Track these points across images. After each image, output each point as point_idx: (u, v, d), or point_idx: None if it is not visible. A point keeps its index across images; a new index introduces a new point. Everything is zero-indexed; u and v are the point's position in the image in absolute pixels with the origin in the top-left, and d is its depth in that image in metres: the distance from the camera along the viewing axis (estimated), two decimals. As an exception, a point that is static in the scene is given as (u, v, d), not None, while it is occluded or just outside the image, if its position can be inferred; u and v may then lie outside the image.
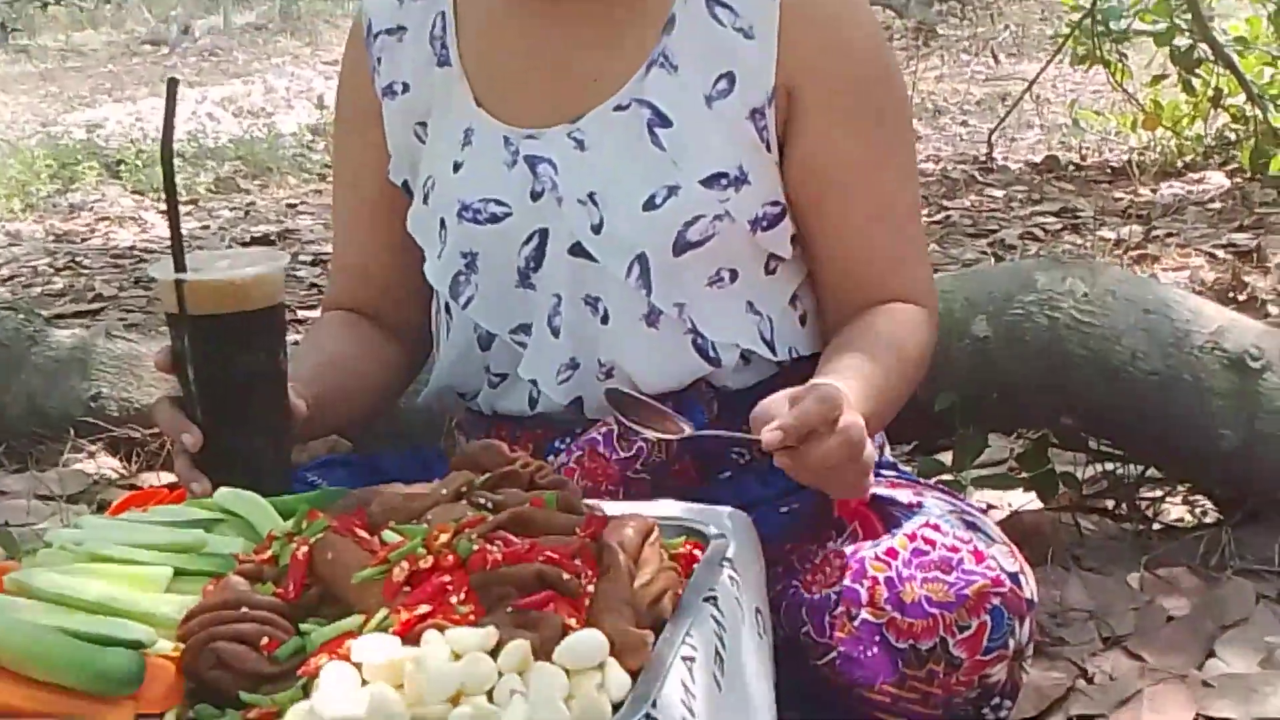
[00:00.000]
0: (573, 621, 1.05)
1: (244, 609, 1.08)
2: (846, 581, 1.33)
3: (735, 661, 1.16)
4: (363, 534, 1.15)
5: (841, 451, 1.21)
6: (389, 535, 1.15)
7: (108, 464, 2.43)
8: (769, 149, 1.49)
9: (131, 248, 5.40)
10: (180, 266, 1.32)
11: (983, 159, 5.65)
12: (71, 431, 2.45)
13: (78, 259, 5.15)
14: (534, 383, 1.53)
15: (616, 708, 0.98)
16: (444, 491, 1.21)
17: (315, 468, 1.61)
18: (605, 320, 1.50)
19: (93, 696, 1.02)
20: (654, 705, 0.99)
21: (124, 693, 1.02)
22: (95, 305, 4.24)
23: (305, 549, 1.13)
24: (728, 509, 1.28)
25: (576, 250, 1.49)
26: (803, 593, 1.36)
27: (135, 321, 3.89)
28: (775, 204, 1.51)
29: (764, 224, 1.50)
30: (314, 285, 4.67)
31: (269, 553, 1.16)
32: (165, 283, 1.32)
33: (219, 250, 1.48)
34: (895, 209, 1.51)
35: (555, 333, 1.51)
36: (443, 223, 1.55)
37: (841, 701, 1.36)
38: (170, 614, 1.10)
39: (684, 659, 1.07)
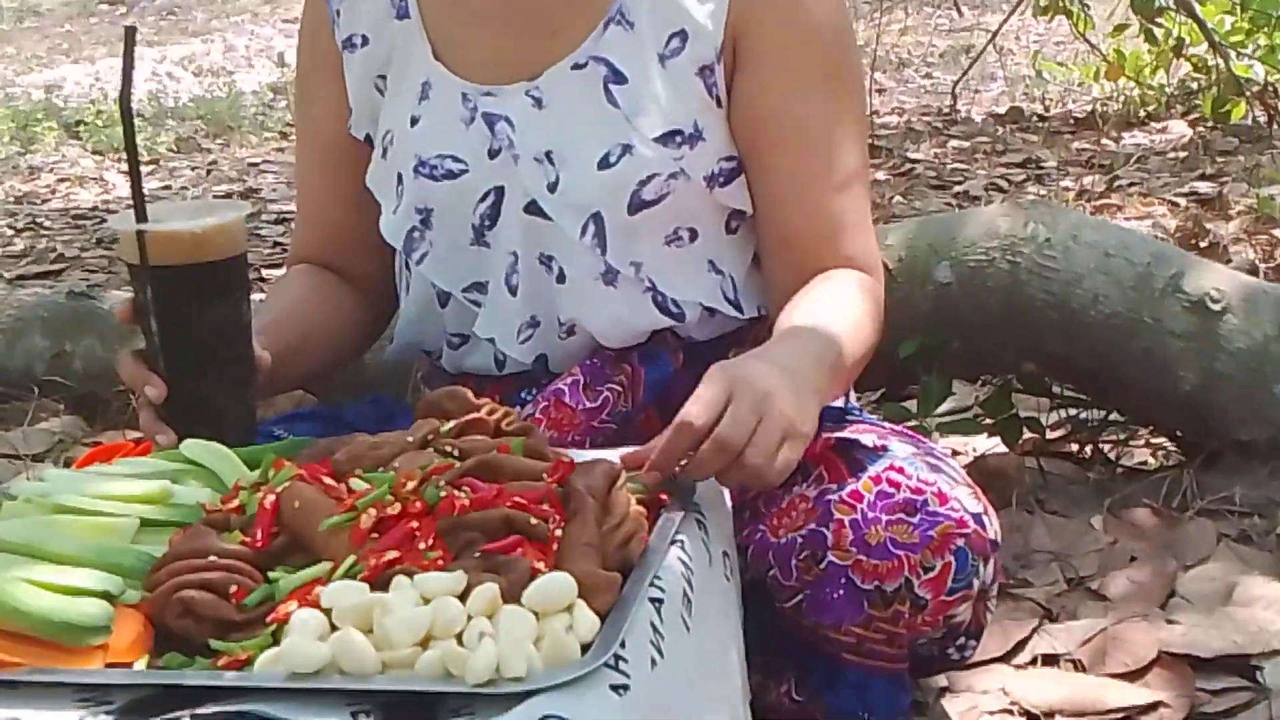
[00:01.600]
0: (540, 565, 1.05)
1: (211, 557, 1.08)
2: (812, 525, 1.34)
3: (703, 603, 1.17)
4: (329, 482, 1.15)
5: (717, 460, 1.20)
6: (356, 483, 1.15)
7: (72, 422, 2.42)
8: (719, 104, 1.49)
9: (93, 208, 5.36)
10: (141, 217, 1.31)
11: (946, 111, 5.66)
12: (36, 390, 2.44)
13: (38, 220, 5.10)
14: (492, 341, 1.53)
15: (585, 649, 0.99)
16: (410, 439, 1.21)
17: (279, 421, 1.61)
18: (561, 279, 1.50)
19: (62, 646, 1.02)
20: (622, 645, 1.00)
21: (93, 642, 1.02)
22: (57, 266, 4.20)
23: (272, 497, 1.13)
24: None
25: (532, 209, 1.48)
26: (769, 536, 1.36)
27: (98, 282, 3.87)
28: (730, 159, 1.50)
29: (720, 180, 1.50)
30: (278, 244, 4.64)
31: (236, 502, 1.16)
32: (126, 233, 1.31)
33: (180, 201, 1.47)
34: (841, 171, 1.50)
35: (513, 291, 1.51)
36: (400, 178, 1.55)
37: (808, 643, 1.37)
38: (137, 564, 1.10)
39: (652, 601, 1.07)
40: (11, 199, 5.57)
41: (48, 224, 5.02)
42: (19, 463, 2.28)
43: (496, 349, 1.54)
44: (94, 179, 5.83)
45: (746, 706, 1.27)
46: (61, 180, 5.83)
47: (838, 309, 1.43)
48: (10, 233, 4.86)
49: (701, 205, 1.50)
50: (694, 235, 1.50)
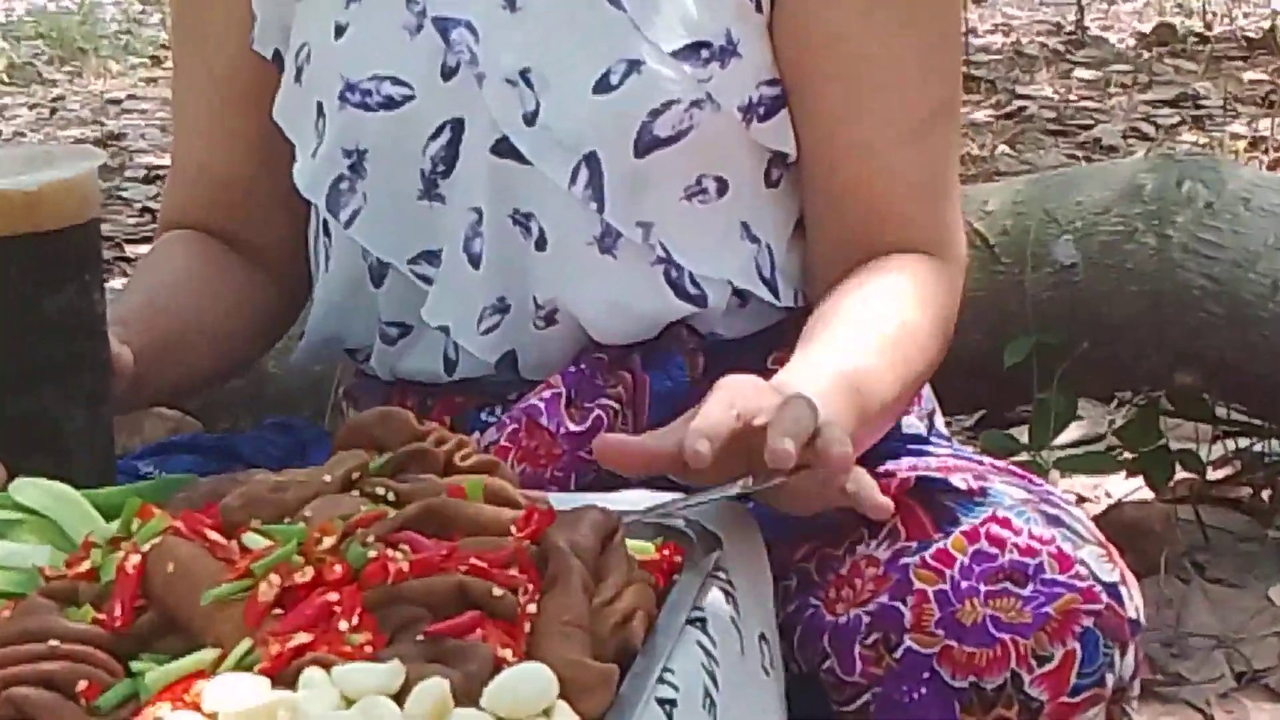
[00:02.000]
0: (507, 653, 1.05)
1: (52, 642, 1.07)
2: (884, 598, 1.34)
3: (732, 705, 1.16)
4: (215, 537, 1.15)
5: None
6: (252, 539, 1.14)
7: None
8: (759, 9, 1.50)
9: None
10: None
11: (1070, 29, 5.68)
12: None
13: None
14: (445, 331, 1.53)
15: (569, 769, 0.99)
16: (327, 478, 1.21)
17: (149, 454, 1.62)
18: (541, 245, 1.50)
19: None
20: (620, 766, 1.00)
21: (-113, 759, 1.02)
22: None
23: (137, 558, 1.12)
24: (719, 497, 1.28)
25: (502, 148, 1.49)
26: (824, 614, 1.37)
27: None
28: (773, 84, 1.51)
29: (759, 112, 1.50)
30: (147, 210, 4.66)
31: (86, 564, 1.15)
32: None
33: (7, 150, 1.48)
34: (914, 110, 1.52)
35: (474, 262, 1.51)
36: (320, 108, 1.55)
37: (878, 760, 1.37)
38: (-50, 650, 1.10)
39: (661, 702, 1.07)
40: None
41: None
42: None
43: (448, 342, 1.55)
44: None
45: None
46: None
47: (883, 323, 1.44)
48: None
49: (734, 146, 1.51)
50: (723, 188, 1.51)
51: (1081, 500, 2.22)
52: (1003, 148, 4.21)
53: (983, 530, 1.34)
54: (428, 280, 1.54)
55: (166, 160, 5.22)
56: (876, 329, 1.43)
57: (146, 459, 1.59)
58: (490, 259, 1.51)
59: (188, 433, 2.27)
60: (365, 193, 1.54)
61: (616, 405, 1.51)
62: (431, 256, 1.54)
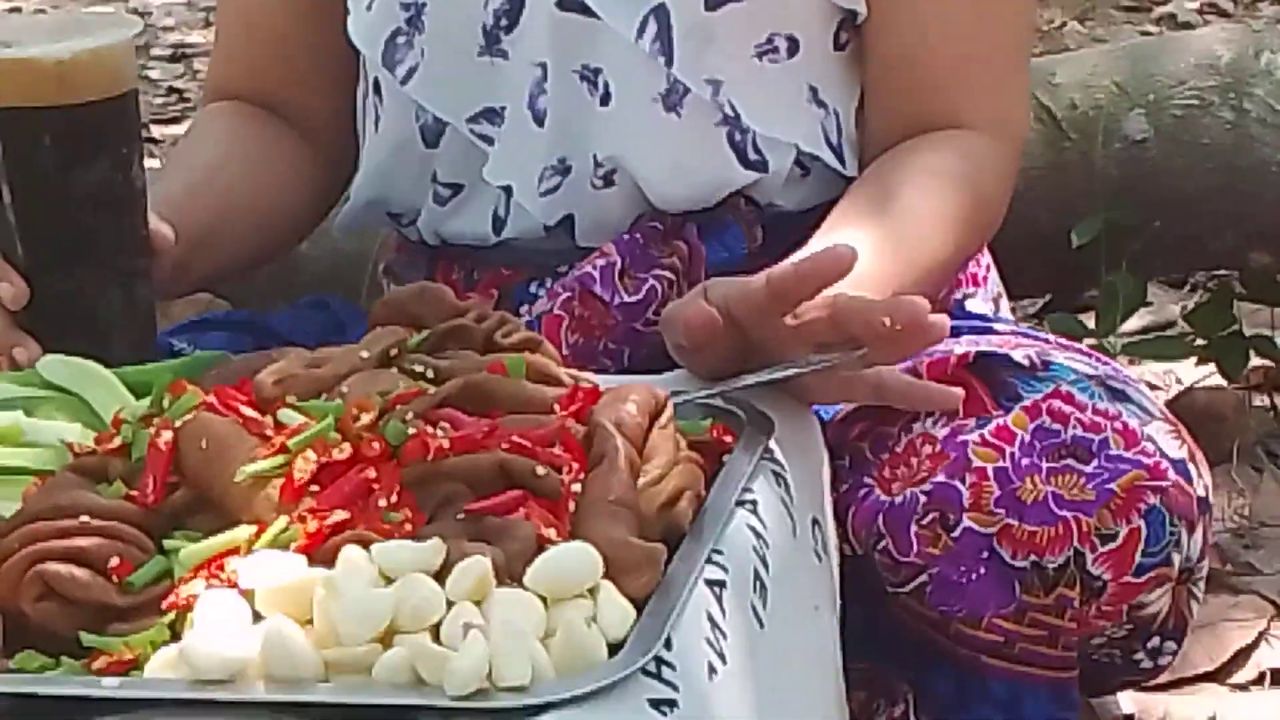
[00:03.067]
0: (551, 532, 1.06)
1: (83, 517, 1.09)
2: (941, 476, 1.34)
3: (783, 590, 1.17)
4: (250, 413, 1.16)
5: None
6: (287, 415, 1.16)
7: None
8: None
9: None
10: None
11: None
12: None
13: None
14: (506, 191, 1.54)
15: (615, 649, 1.00)
16: (364, 354, 1.22)
17: (182, 330, 1.63)
18: (606, 101, 1.51)
19: None
20: (667, 645, 1.01)
21: (-85, 636, 1.04)
22: None
23: (169, 435, 1.14)
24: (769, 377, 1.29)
25: (569, 1, 1.50)
26: (878, 494, 1.37)
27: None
28: None
29: None
30: (173, 90, 4.66)
31: (117, 440, 1.17)
32: None
33: (41, 16, 1.49)
34: None
35: (538, 119, 1.53)
36: None
37: (934, 644, 1.39)
38: (-23, 528, 1.12)
39: (709, 583, 1.08)
40: None
41: None
42: None
43: (500, 202, 1.56)
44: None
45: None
46: None
47: (899, 216, 1.45)
48: None
49: (806, 4, 1.52)
50: (793, 47, 1.52)
51: (1152, 388, 2.20)
52: (1072, 24, 4.17)
53: (1044, 405, 1.34)
54: (487, 139, 1.55)
55: (193, 38, 5.26)
56: (885, 226, 1.43)
57: (179, 335, 1.60)
58: (554, 116, 1.52)
59: (217, 311, 2.28)
60: (423, 48, 1.55)
61: (671, 276, 1.52)
62: (492, 115, 1.55)
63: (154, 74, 4.85)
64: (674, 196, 1.52)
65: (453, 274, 1.60)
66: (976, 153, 1.52)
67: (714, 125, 1.52)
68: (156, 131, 4.25)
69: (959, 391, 1.31)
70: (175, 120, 4.38)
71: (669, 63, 1.49)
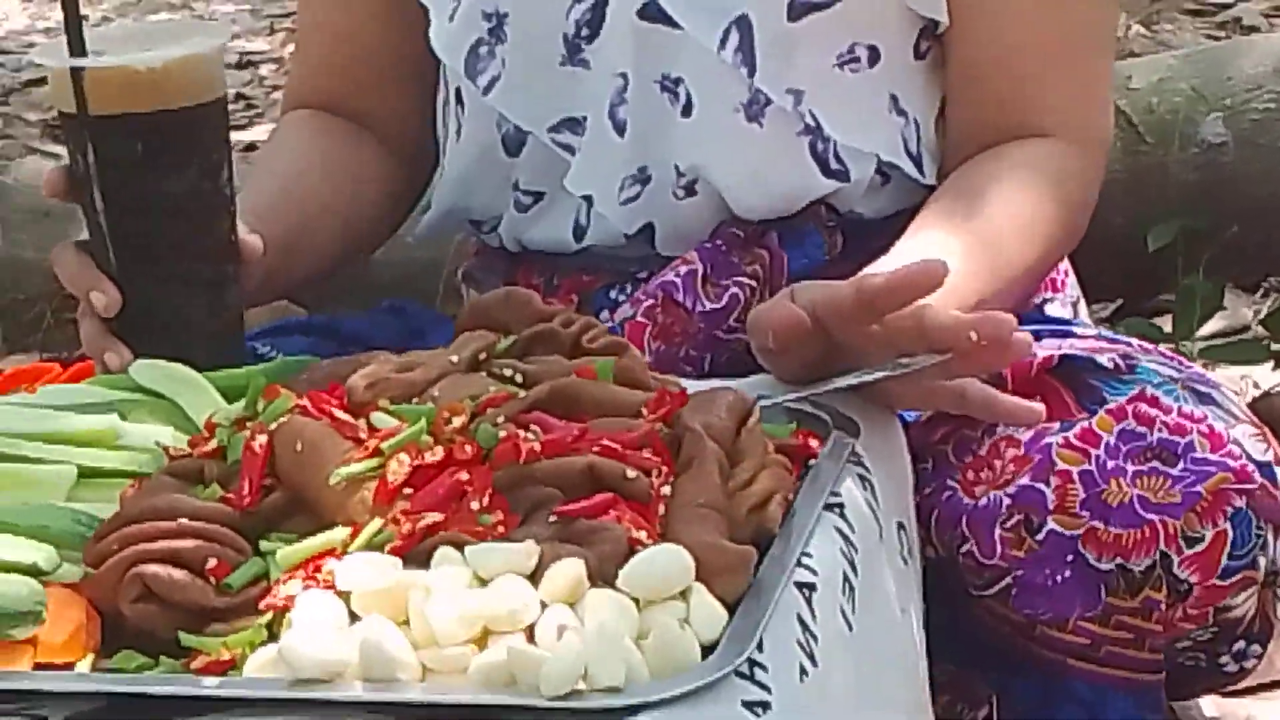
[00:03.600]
0: (641, 534, 1.07)
1: (181, 520, 1.10)
2: (1025, 479, 1.35)
3: (870, 593, 1.18)
4: (343, 417, 1.17)
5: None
6: (380, 419, 1.17)
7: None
8: None
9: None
10: (78, 48, 1.33)
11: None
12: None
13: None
14: (588, 200, 1.55)
15: (707, 651, 1.01)
16: (454, 359, 1.23)
17: (264, 335, 1.64)
18: (687, 111, 1.52)
19: (-28, 642, 1.05)
20: (760, 648, 1.02)
21: (17, 635, 1.05)
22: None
23: (264, 438, 1.15)
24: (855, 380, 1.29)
25: (650, 11, 1.51)
26: (961, 496, 1.38)
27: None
28: None
29: None
30: (242, 97, 4.68)
31: (213, 443, 1.18)
32: (57, 71, 1.34)
33: (132, 25, 1.50)
34: None
35: (619, 129, 1.53)
36: None
37: (1018, 647, 1.39)
38: (75, 529, 1.14)
39: (799, 586, 1.09)
40: None
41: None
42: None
43: (581, 209, 1.57)
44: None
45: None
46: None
47: (982, 222, 1.45)
48: None
49: (887, 13, 1.52)
50: (875, 57, 1.53)
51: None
52: (1137, 27, 4.16)
53: (1130, 408, 1.34)
54: (568, 148, 1.56)
55: (258, 45, 5.28)
56: (971, 232, 1.44)
57: (261, 339, 1.62)
58: (635, 126, 1.53)
59: (295, 317, 2.29)
60: (504, 58, 1.56)
61: (753, 283, 1.52)
62: (573, 124, 1.55)
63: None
64: (755, 206, 1.53)
65: (533, 279, 1.61)
66: (1062, 159, 1.52)
67: (795, 135, 1.52)
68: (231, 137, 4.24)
69: (1040, 408, 1.32)
70: (243, 126, 4.39)
71: (751, 73, 1.50)
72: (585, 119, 1.55)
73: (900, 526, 1.29)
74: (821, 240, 1.54)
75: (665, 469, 1.12)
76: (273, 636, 1.04)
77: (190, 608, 1.08)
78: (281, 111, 1.76)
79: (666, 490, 1.11)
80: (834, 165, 1.52)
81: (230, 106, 4.30)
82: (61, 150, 3.61)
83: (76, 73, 1.33)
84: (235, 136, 4.32)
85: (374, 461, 1.13)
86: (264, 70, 5.00)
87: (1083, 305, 1.69)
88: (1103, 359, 1.39)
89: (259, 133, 4.35)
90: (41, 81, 4.84)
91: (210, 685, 1.01)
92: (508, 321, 1.29)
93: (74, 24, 1.33)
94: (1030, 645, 1.38)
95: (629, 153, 1.54)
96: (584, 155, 1.55)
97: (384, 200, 1.71)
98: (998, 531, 1.36)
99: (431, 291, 2.25)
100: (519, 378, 1.22)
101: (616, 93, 1.53)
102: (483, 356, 1.25)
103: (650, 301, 1.51)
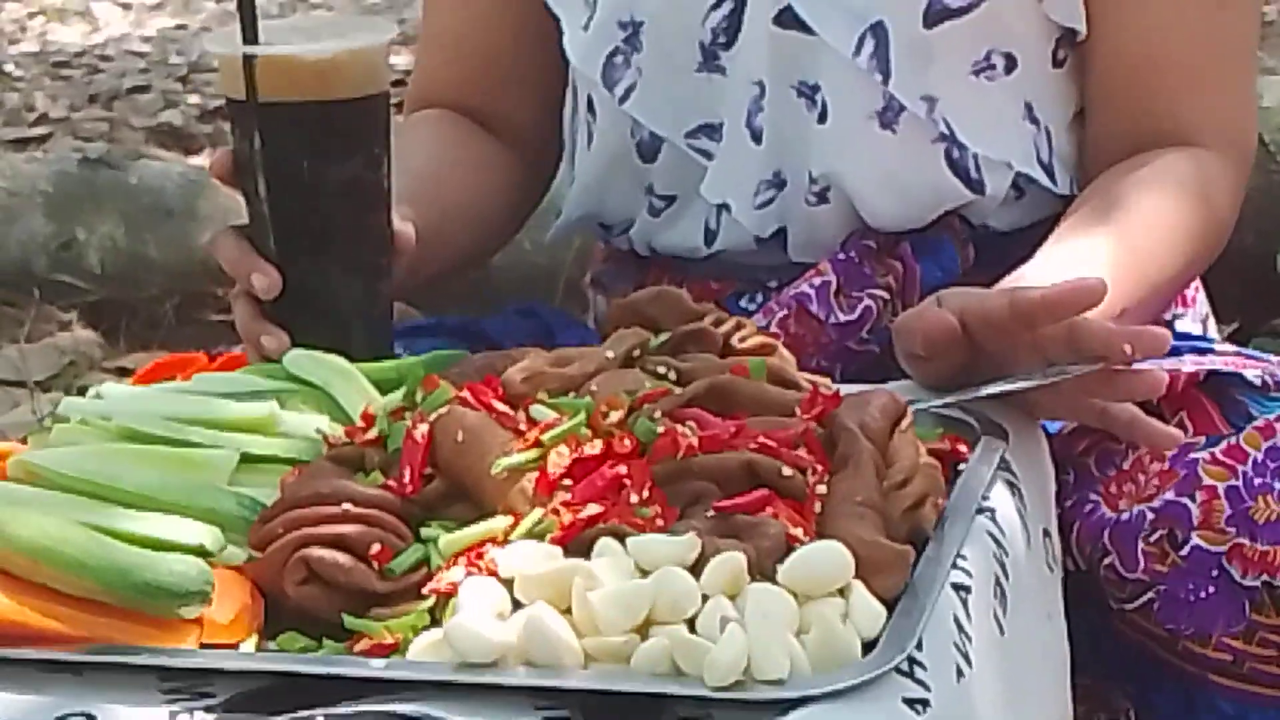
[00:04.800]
0: (798, 531, 1.08)
1: (345, 505, 1.12)
2: (1169, 494, 1.35)
3: (1020, 598, 1.19)
4: (503, 408, 1.19)
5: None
6: (539, 411, 1.19)
7: (88, 340, 2.50)
8: None
9: (80, 54, 5.49)
10: (251, 36, 1.36)
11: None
12: (36, 293, 2.52)
13: (5, 68, 5.25)
14: (725, 207, 1.56)
15: (866, 648, 1.02)
16: (610, 354, 1.25)
17: (396, 336, 1.66)
18: (823, 118, 1.53)
19: (143, 617, 1.07)
20: (919, 647, 1.02)
21: (185, 613, 1.07)
22: (38, 130, 4.34)
23: (425, 427, 1.17)
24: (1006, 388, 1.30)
25: (785, 18, 1.52)
26: (1104, 510, 1.38)
27: (98, 152, 3.98)
28: None
29: None
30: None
31: (373, 432, 1.20)
32: (229, 59, 1.37)
33: (299, 19, 1.53)
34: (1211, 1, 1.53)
35: (755, 136, 1.55)
36: None
37: (1159, 660, 1.39)
38: (239, 511, 1.16)
39: (955, 587, 1.10)
40: (-37, 36, 5.72)
41: (18, 73, 5.17)
42: (16, 390, 2.36)
43: (711, 214, 1.58)
44: (78, 13, 5.97)
45: (1071, 744, 1.29)
46: (34, 14, 5.96)
47: (1127, 232, 1.45)
48: (-35, 84, 5.00)
49: (1025, 20, 1.53)
50: (1011, 64, 1.54)
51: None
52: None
53: (1278, 426, 1.34)
54: (705, 154, 1.57)
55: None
56: (1117, 238, 1.44)
57: (396, 340, 1.63)
58: (771, 132, 1.54)
59: (414, 319, 2.31)
60: (640, 66, 1.57)
61: (886, 295, 1.53)
62: (710, 130, 1.57)
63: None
64: (887, 213, 1.54)
65: (662, 283, 1.61)
66: (1206, 167, 1.52)
67: (930, 142, 1.53)
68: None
69: (1179, 434, 1.33)
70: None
71: (886, 80, 1.51)
72: (722, 125, 1.57)
73: (1045, 533, 1.29)
74: (955, 252, 1.55)
75: (820, 468, 1.13)
76: (435, 621, 1.06)
77: (354, 591, 1.10)
78: (404, 111, 1.78)
79: (821, 489, 1.12)
80: (971, 175, 1.53)
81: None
82: (167, 154, 3.68)
83: (249, 60, 1.36)
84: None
85: (534, 453, 1.14)
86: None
87: (1211, 321, 1.69)
88: (1250, 375, 1.39)
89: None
90: (144, 89, 4.92)
91: (377, 667, 1.03)
92: (658, 319, 1.30)
93: (249, 12, 1.36)
94: (1171, 659, 1.38)
95: (765, 158, 1.55)
96: (720, 161, 1.57)
97: (510, 200, 1.73)
98: (1141, 545, 1.36)
99: (548, 298, 2.26)
100: (672, 375, 1.24)
101: (754, 100, 1.55)
102: (636, 353, 1.26)
103: (784, 312, 1.52)
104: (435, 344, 1.62)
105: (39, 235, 2.55)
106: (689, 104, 1.57)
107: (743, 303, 1.59)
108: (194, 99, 4.82)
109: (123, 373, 2.37)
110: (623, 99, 1.58)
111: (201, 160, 3.59)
